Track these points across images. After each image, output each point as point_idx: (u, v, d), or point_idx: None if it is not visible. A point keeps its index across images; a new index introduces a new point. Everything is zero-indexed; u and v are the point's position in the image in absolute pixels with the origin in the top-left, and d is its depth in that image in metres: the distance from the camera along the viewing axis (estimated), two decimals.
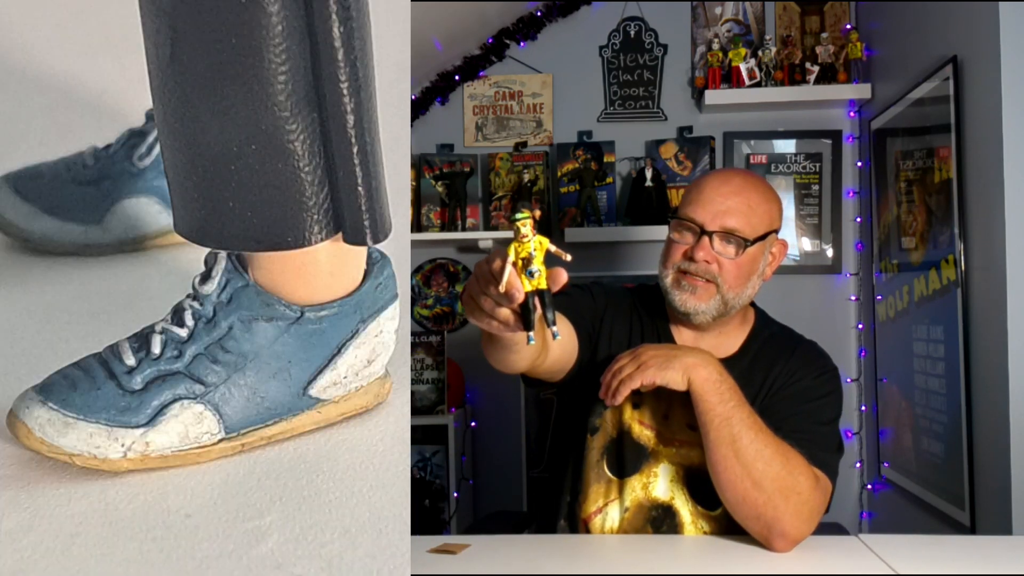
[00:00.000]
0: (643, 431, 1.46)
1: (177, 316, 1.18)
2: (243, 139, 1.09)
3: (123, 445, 1.13)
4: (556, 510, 1.51)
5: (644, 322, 1.55)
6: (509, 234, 2.84)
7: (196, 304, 1.17)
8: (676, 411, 1.45)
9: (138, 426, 1.13)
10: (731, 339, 1.53)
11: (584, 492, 1.48)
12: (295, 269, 1.17)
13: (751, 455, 1.27)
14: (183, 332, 1.16)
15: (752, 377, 1.45)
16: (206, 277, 1.18)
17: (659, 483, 1.44)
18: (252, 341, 1.17)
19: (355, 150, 1.11)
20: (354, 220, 1.14)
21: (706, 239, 1.45)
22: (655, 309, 1.56)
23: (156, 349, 1.16)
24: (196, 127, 1.10)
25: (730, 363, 1.41)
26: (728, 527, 1.41)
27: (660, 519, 1.44)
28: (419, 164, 2.96)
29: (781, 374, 1.48)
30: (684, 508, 1.44)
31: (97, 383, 1.13)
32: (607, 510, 1.45)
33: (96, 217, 1.43)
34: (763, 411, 1.36)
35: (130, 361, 1.15)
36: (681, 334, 1.53)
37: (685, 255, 1.47)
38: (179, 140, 1.11)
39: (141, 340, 1.17)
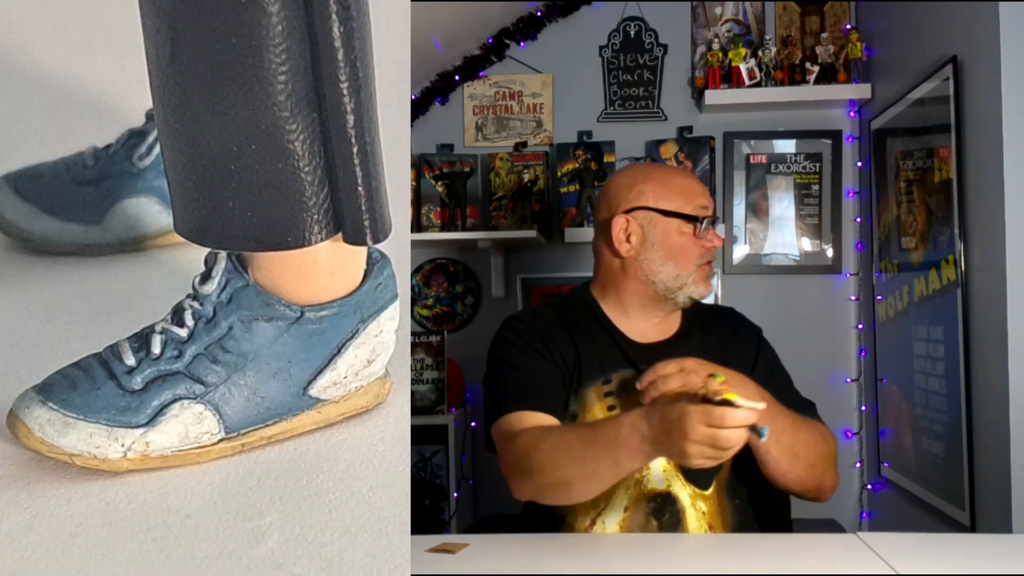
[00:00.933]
0: None
1: (177, 316, 1.18)
2: (243, 139, 1.09)
3: (123, 445, 1.13)
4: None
5: (586, 329, 1.54)
6: (508, 234, 2.85)
7: (196, 304, 1.17)
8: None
9: (138, 426, 1.13)
10: (674, 317, 1.58)
11: (572, 511, 1.47)
12: (295, 269, 1.17)
13: (799, 448, 1.38)
14: (183, 332, 1.16)
15: (708, 353, 1.44)
16: (206, 277, 1.18)
17: (652, 474, 1.44)
18: (252, 341, 1.17)
19: (355, 150, 1.11)
20: (354, 220, 1.14)
21: (711, 226, 1.54)
22: (591, 312, 1.57)
23: (156, 349, 1.16)
24: (196, 127, 1.10)
25: (683, 341, 1.53)
26: (720, 501, 1.46)
27: (660, 508, 1.44)
28: (419, 164, 2.96)
29: (732, 352, 1.54)
30: (682, 492, 1.45)
31: (97, 383, 1.14)
32: (602, 519, 1.45)
33: (96, 217, 1.43)
34: None
35: (130, 361, 1.15)
36: (632, 328, 1.54)
37: (706, 248, 1.53)
38: (179, 140, 1.12)
39: (141, 340, 1.17)
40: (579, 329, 1.53)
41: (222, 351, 1.16)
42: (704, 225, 1.52)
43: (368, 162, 1.12)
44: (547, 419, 1.41)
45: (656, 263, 1.51)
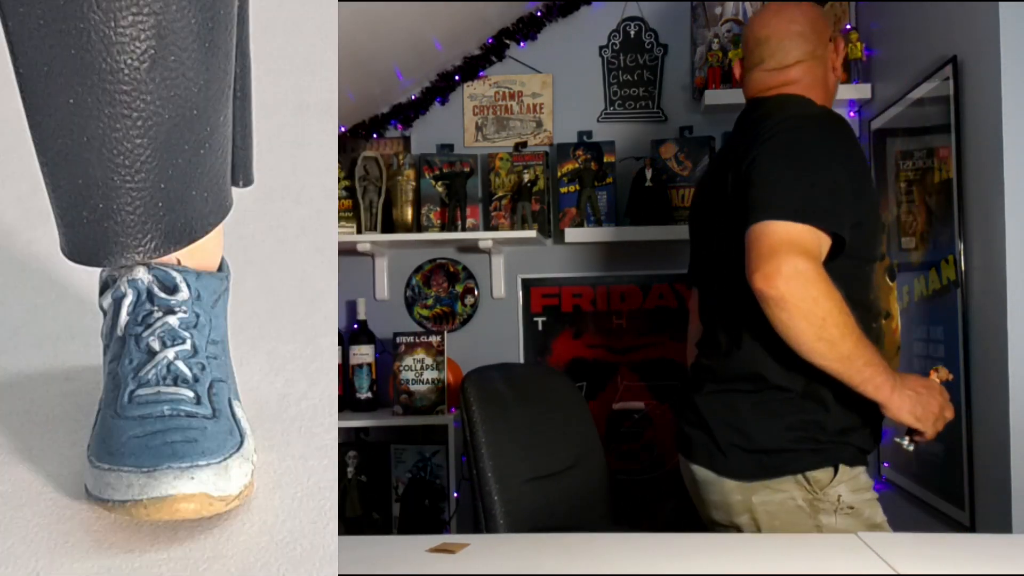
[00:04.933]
0: None
1: (170, 335, 1.13)
2: (218, 116, 1.12)
3: (252, 463, 1.11)
4: None
5: None
6: (508, 234, 2.84)
7: (182, 314, 1.13)
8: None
9: (242, 444, 1.10)
10: None
11: None
12: (216, 235, 1.16)
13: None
14: (187, 347, 1.13)
15: None
16: (174, 289, 1.13)
17: None
18: (222, 322, 1.17)
19: (249, 103, 1.16)
20: (245, 166, 1.17)
21: None
22: None
23: (186, 371, 1.12)
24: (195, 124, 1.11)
25: None
26: None
27: None
28: (419, 164, 2.96)
29: None
30: None
31: (201, 422, 1.08)
32: None
33: None
34: None
35: (189, 394, 1.10)
36: None
37: None
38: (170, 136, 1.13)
39: (171, 373, 1.11)
40: None
41: (214, 344, 1.14)
42: None
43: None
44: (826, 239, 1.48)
45: None
